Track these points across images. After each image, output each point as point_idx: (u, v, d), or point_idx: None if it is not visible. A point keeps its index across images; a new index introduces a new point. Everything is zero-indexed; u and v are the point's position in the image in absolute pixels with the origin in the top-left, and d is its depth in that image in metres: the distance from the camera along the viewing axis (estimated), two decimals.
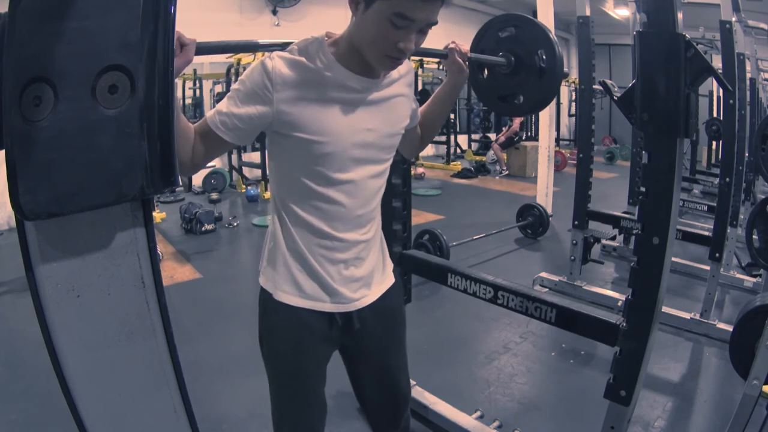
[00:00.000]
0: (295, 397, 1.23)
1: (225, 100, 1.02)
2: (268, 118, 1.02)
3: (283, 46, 1.06)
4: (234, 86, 1.03)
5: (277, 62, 1.00)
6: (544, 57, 1.61)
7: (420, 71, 8.74)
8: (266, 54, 1.03)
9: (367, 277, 1.20)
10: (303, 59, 1.02)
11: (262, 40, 1.11)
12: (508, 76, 1.70)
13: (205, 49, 0.96)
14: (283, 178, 1.13)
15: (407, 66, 1.20)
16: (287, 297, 1.14)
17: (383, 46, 0.98)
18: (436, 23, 0.99)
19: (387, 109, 1.14)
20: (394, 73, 1.15)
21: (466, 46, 1.37)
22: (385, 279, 1.28)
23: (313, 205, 1.11)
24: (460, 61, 1.34)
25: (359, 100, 1.08)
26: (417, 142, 1.41)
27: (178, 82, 8.24)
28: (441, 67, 8.87)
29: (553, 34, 1.64)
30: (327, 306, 1.16)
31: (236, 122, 1.01)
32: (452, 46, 1.34)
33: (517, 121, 8.80)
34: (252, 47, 1.14)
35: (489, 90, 1.80)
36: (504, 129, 9.18)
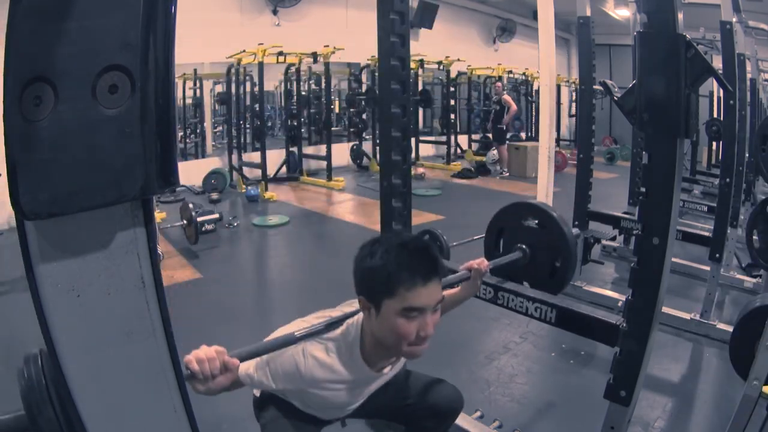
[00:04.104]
0: None
1: (255, 370, 1.15)
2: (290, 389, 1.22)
3: (320, 333, 1.18)
4: (263, 361, 1.15)
5: (309, 363, 1.15)
6: (558, 262, 1.72)
7: (420, 71, 8.71)
8: (301, 349, 1.16)
9: None
10: (334, 362, 1.17)
11: (298, 332, 1.17)
12: (522, 267, 1.82)
13: (246, 355, 1.05)
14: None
15: None
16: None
17: (406, 341, 1.08)
18: (443, 298, 1.13)
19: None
20: None
21: (485, 263, 1.54)
22: None
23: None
24: (479, 282, 1.55)
25: (372, 381, 1.30)
26: None
27: (178, 82, 8.25)
28: (441, 68, 8.87)
29: (573, 243, 1.70)
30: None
31: (262, 385, 1.18)
32: (475, 269, 1.52)
33: (513, 107, 8.77)
34: (289, 341, 1.16)
35: (502, 271, 1.91)
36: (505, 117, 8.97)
